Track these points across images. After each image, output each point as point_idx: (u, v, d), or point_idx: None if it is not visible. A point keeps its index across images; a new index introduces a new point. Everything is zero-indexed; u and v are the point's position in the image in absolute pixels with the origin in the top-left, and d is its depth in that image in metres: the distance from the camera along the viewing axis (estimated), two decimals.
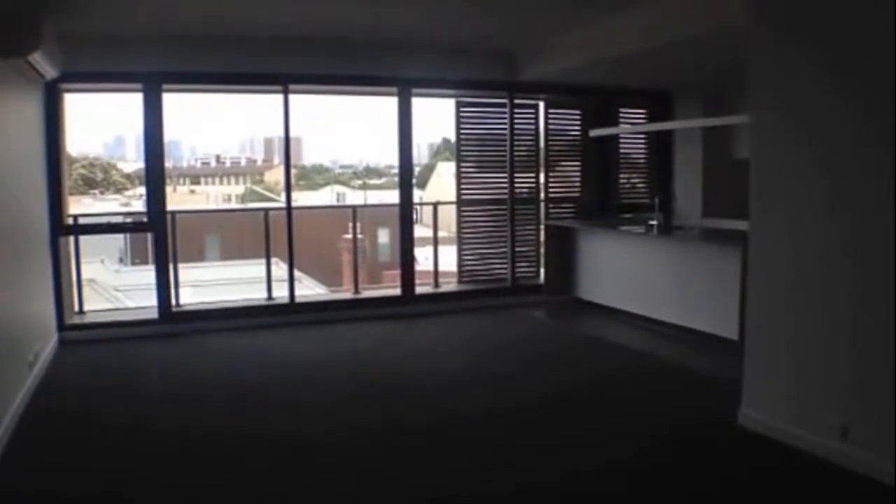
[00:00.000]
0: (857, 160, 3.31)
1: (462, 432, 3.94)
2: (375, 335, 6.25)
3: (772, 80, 3.74)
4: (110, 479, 3.35)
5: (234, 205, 21.00)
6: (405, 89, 6.85)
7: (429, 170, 19.61)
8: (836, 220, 3.43)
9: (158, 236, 6.25)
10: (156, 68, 5.96)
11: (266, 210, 7.23)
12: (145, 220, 6.38)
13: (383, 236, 15.37)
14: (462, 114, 7.27)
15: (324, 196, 20.75)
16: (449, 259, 7.72)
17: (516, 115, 7.37)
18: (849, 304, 3.37)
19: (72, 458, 3.58)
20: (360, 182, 22.43)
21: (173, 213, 6.53)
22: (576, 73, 6.53)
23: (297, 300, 6.85)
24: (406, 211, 7.07)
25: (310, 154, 23.16)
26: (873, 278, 3.23)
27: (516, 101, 7.34)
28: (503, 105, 7.32)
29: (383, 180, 20.76)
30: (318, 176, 22.63)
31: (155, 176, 6.22)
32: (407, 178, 7.10)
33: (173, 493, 3.23)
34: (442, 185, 15.97)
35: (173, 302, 6.40)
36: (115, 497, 3.18)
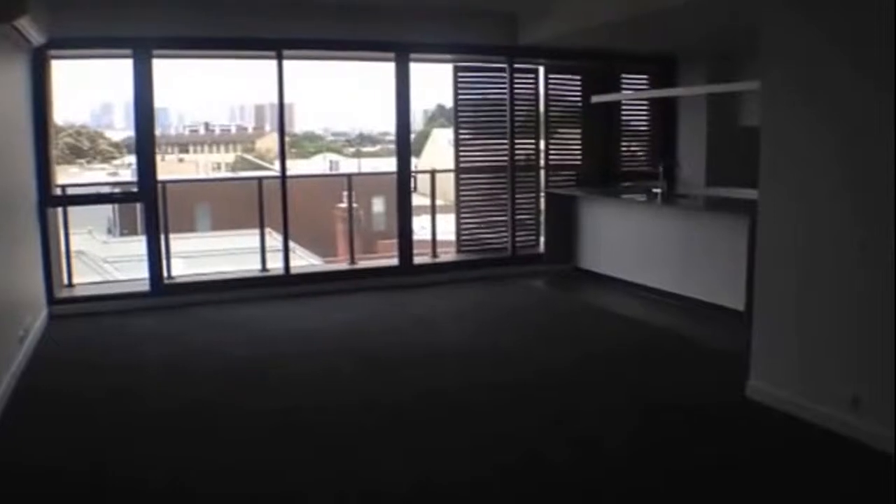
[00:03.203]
0: (869, 129, 3.23)
1: (461, 406, 3.88)
2: (372, 306, 6.16)
3: (783, 48, 3.64)
4: (103, 454, 3.29)
5: (224, 173, 20.69)
6: (403, 54, 6.66)
7: (423, 137, 19.34)
8: (847, 189, 3.37)
9: (149, 206, 6.10)
10: (146, 33, 5.76)
11: (260, 179, 7.07)
12: (135, 189, 6.22)
13: (378, 205, 15.22)
14: (460, 79, 7.09)
15: (316, 164, 20.49)
16: (447, 228, 7.61)
17: (516, 81, 7.19)
18: (859, 274, 3.30)
19: (64, 434, 3.51)
20: (353, 150, 22.15)
21: (164, 182, 6.35)
22: (577, 36, 6.34)
23: (292, 271, 6.74)
24: (403, 179, 6.93)
25: (301, 121, 22.79)
26: (884, 247, 3.16)
27: (516, 66, 7.15)
28: (502, 70, 7.14)
29: (377, 147, 20.48)
30: (309, 144, 22.29)
31: (145, 145, 6.04)
32: (404, 145, 6.95)
33: (168, 467, 3.17)
34: (438, 152, 15.79)
35: (165, 274, 6.27)
36: (107, 472, 3.13)
